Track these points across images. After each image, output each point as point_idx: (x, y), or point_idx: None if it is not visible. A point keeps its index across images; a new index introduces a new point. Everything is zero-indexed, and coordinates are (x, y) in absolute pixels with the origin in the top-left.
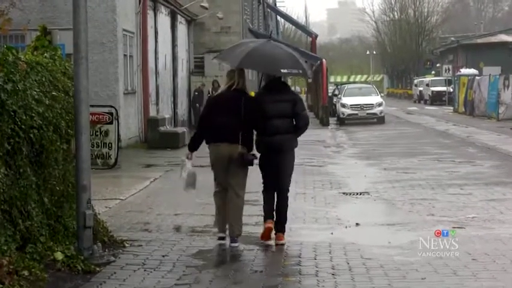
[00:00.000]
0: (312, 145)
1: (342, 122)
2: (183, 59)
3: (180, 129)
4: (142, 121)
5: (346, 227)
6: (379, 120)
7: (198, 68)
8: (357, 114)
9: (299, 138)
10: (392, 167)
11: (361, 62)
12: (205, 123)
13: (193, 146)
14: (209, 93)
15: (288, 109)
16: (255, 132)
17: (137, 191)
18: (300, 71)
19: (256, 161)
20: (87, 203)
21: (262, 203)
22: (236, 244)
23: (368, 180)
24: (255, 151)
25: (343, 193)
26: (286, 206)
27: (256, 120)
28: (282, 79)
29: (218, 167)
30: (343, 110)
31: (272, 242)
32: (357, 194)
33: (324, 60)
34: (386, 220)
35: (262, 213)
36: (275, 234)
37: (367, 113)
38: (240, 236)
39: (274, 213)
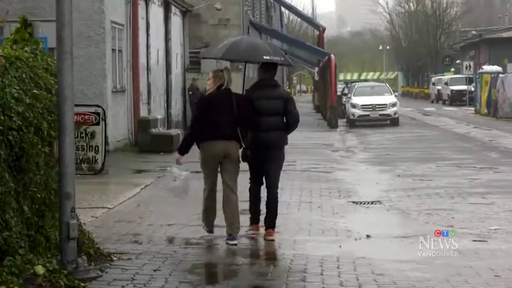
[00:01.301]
0: (319, 149)
1: (352, 124)
2: (177, 54)
3: (173, 131)
4: (133, 122)
5: (355, 239)
6: (393, 122)
7: (194, 64)
8: (368, 115)
9: (304, 142)
10: (407, 173)
11: (373, 57)
12: (198, 123)
13: (185, 149)
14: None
15: (280, 106)
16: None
17: (126, 199)
18: (282, 59)
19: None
20: (71, 212)
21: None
22: (235, 241)
23: (380, 188)
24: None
25: (353, 202)
26: (276, 201)
27: (249, 116)
28: (275, 77)
29: (211, 165)
30: (353, 110)
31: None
32: (368, 203)
33: (332, 55)
34: (400, 232)
35: (249, 215)
36: (265, 229)
37: (380, 114)
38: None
39: (265, 209)
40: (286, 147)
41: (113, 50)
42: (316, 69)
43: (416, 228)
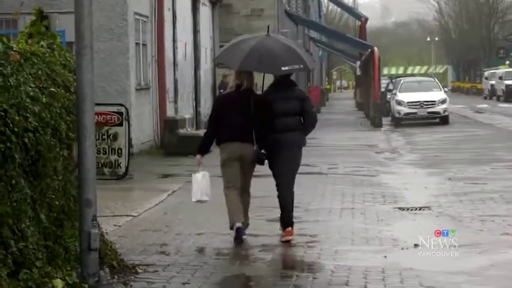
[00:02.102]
0: (362, 150)
1: (398, 122)
2: (206, 48)
3: (203, 132)
4: (158, 122)
5: (402, 248)
6: (443, 120)
7: None
8: (415, 113)
9: (346, 143)
10: (459, 176)
11: (420, 50)
12: (215, 123)
13: (205, 148)
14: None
15: (296, 107)
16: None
17: (152, 206)
18: (301, 66)
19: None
20: (93, 221)
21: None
22: (244, 236)
23: (429, 192)
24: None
25: (399, 208)
26: (291, 201)
27: (265, 118)
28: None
29: (229, 166)
30: (398, 108)
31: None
32: (416, 209)
33: (375, 48)
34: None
35: (279, 221)
36: (284, 230)
37: (428, 112)
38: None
39: (280, 208)
40: (321, 147)
41: (137, 43)
42: (358, 63)
43: (469, 236)
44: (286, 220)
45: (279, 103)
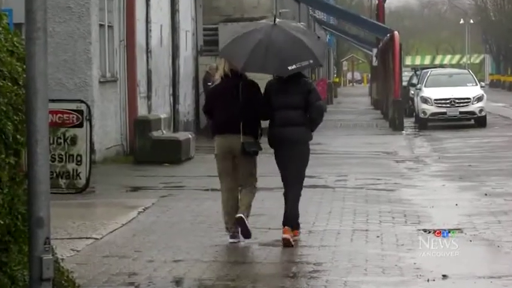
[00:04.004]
0: (378, 159)
1: (423, 124)
2: (187, 32)
3: (182, 135)
4: (127, 123)
5: (428, 280)
6: (479, 122)
7: (209, 44)
8: (445, 113)
9: (359, 149)
10: (498, 191)
11: (451, 35)
12: (208, 115)
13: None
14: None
15: (301, 99)
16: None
17: (119, 226)
18: (311, 61)
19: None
20: (45, 244)
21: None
22: (234, 240)
23: (461, 211)
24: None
25: (424, 230)
26: (297, 202)
27: (257, 104)
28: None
29: (221, 161)
30: (424, 106)
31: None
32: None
33: (396, 33)
34: (488, 271)
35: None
36: (288, 229)
37: (461, 112)
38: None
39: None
40: (327, 154)
41: (101, 25)
42: (375, 51)
43: (509, 265)
44: (288, 220)
45: (280, 95)
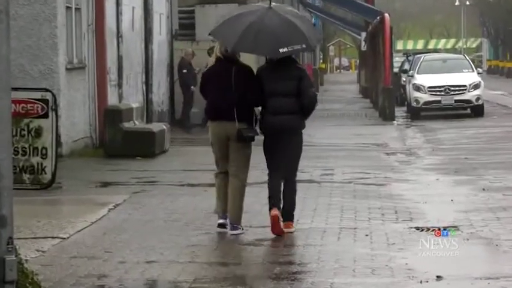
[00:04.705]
0: (367, 151)
1: (416, 114)
2: (161, 14)
3: (156, 126)
4: (96, 113)
5: (421, 281)
6: (476, 111)
7: (185, 27)
8: (439, 101)
9: (346, 141)
10: (496, 186)
11: (446, 18)
12: (204, 97)
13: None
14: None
15: (291, 86)
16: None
17: (88, 224)
18: (303, 46)
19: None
20: (8, 244)
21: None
22: (236, 232)
23: (457, 207)
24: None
25: (416, 228)
26: (293, 193)
27: (250, 89)
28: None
29: (217, 147)
30: (417, 95)
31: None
32: (439, 229)
33: (386, 15)
34: (485, 271)
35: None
36: (283, 223)
37: (456, 100)
38: (240, 222)
39: (282, 201)
40: (312, 146)
41: (68, 8)
42: (363, 35)
43: (508, 264)
44: (289, 214)
45: (271, 81)
